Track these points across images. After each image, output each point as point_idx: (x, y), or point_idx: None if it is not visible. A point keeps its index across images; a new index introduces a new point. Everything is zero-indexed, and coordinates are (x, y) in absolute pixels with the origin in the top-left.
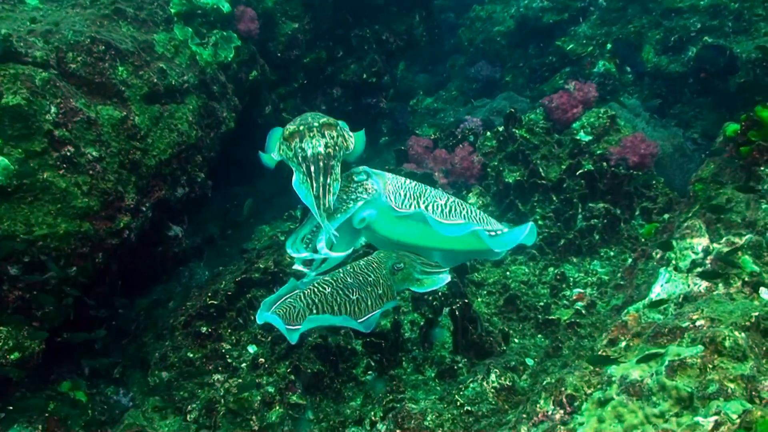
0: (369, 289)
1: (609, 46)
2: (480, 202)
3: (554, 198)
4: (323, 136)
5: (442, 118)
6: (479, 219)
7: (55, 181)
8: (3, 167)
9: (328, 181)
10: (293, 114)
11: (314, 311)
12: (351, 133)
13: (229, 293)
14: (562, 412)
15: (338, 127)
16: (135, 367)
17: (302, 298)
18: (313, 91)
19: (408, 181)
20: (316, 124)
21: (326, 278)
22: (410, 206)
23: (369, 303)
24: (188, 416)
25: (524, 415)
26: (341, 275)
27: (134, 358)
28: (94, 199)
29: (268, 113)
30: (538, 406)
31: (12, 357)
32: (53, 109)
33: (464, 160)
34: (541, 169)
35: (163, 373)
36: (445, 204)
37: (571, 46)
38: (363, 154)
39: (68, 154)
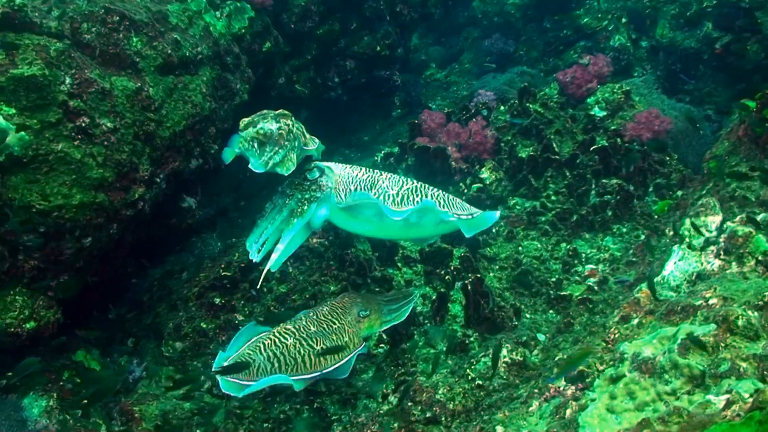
0: (334, 338)
1: (624, 19)
2: (493, 176)
3: (567, 173)
4: (277, 121)
5: (455, 92)
6: (441, 204)
7: (70, 151)
8: (18, 137)
9: (279, 150)
10: (306, 86)
11: (275, 364)
12: (311, 137)
13: (243, 265)
14: (573, 388)
15: (293, 118)
16: (149, 337)
17: (262, 349)
18: (326, 63)
19: (362, 172)
20: (271, 114)
21: (288, 327)
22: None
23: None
24: (201, 387)
25: (536, 391)
26: (304, 323)
27: (148, 328)
28: (109, 170)
29: (281, 85)
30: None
31: (27, 326)
32: (68, 80)
33: (477, 134)
34: (554, 144)
35: (177, 344)
36: (398, 193)
37: (586, 20)
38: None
39: (83, 125)
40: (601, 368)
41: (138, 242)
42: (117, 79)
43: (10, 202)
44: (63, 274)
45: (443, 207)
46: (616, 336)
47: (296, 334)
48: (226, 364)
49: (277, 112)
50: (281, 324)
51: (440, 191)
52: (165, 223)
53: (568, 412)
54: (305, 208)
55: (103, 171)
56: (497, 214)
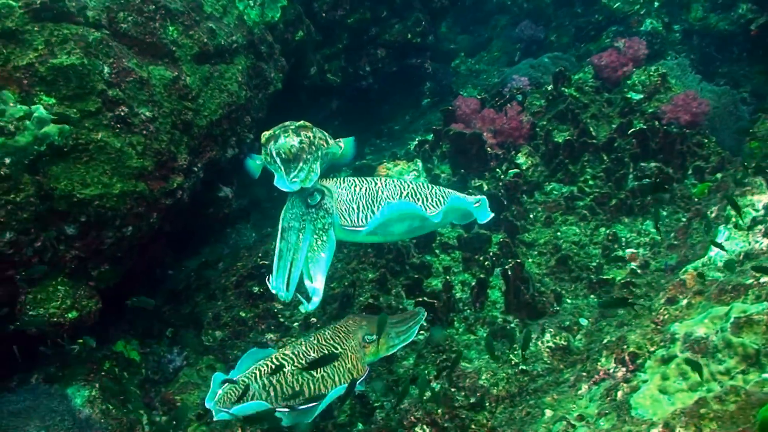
0: (336, 364)
1: (657, 3)
2: (529, 162)
3: (605, 157)
4: (297, 134)
5: (485, 79)
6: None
7: (110, 141)
8: (59, 127)
9: (304, 167)
10: (337, 75)
11: (271, 393)
12: (337, 140)
13: None
14: (624, 369)
15: (314, 129)
16: (188, 326)
17: (258, 377)
18: (357, 52)
19: (358, 186)
20: (292, 127)
21: (286, 352)
22: (365, 219)
23: (336, 379)
24: None
25: (584, 374)
26: (304, 348)
27: (187, 318)
28: (148, 159)
29: (313, 74)
30: (599, 364)
31: (69, 316)
32: (106, 69)
33: (512, 119)
34: (591, 129)
35: (217, 332)
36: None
37: (617, 4)
38: (354, 160)
39: (122, 114)
40: (651, 349)
41: (175, 233)
42: (154, 69)
43: (51, 192)
44: (103, 264)
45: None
46: (665, 317)
47: (295, 360)
48: (219, 393)
49: (298, 123)
50: (280, 349)
51: (436, 187)
52: (202, 213)
53: (620, 394)
54: (325, 239)
55: (143, 160)
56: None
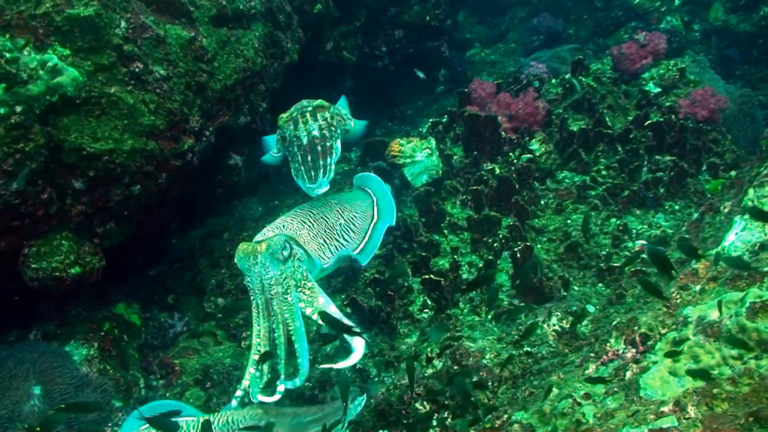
0: None
1: (677, 1)
2: (543, 148)
3: (619, 148)
4: (315, 119)
5: (501, 68)
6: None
7: (123, 96)
8: (72, 78)
9: (329, 161)
10: (353, 53)
11: None
12: (350, 117)
13: None
14: (634, 351)
15: (331, 108)
16: (189, 293)
17: None
18: (374, 31)
19: (313, 219)
20: (309, 108)
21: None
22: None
23: None
24: (242, 342)
25: (592, 354)
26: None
27: (189, 284)
28: (161, 119)
29: (329, 50)
30: (608, 345)
31: (73, 271)
32: (123, 24)
33: (528, 105)
34: (607, 119)
35: (219, 300)
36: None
37: (638, 0)
38: (362, 139)
39: (137, 70)
40: (663, 331)
41: (183, 199)
42: (171, 28)
43: (61, 144)
44: (109, 222)
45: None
46: (678, 301)
47: None
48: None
49: (315, 104)
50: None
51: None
52: (211, 180)
53: (629, 374)
54: (314, 295)
55: (155, 119)
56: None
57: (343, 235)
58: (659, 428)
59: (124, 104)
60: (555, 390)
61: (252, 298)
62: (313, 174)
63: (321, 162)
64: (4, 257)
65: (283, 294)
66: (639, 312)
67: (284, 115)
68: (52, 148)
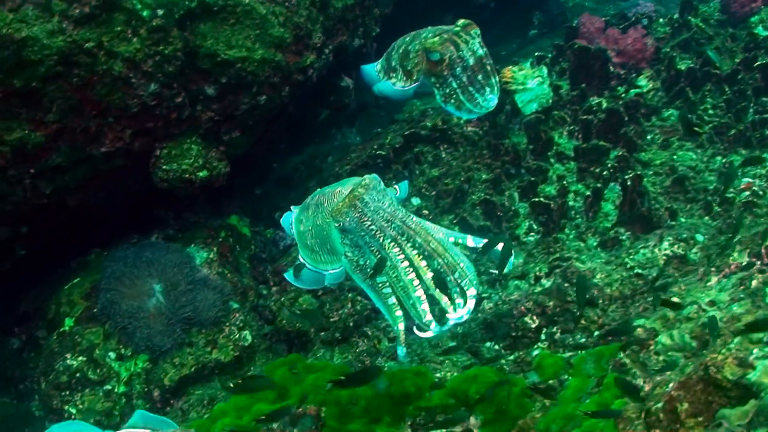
0: None
1: None
2: (650, 85)
3: (726, 89)
4: (472, 36)
5: (598, 14)
6: None
7: (256, 6)
8: None
9: (497, 78)
10: None
11: None
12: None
13: (396, 146)
14: (759, 263)
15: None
16: None
17: None
18: None
19: None
20: (458, 28)
21: None
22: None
23: None
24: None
25: (713, 269)
26: None
27: (296, 201)
28: (288, 32)
29: None
30: (730, 258)
31: (200, 175)
32: None
33: (637, 41)
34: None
35: None
36: None
37: None
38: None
39: None
40: None
41: (293, 121)
42: None
43: (196, 50)
44: (235, 130)
45: None
46: None
47: None
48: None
49: (462, 23)
50: None
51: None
52: (323, 101)
53: (754, 283)
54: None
55: (283, 31)
56: None
57: None
58: None
59: (257, 14)
60: (676, 300)
61: (381, 240)
62: (483, 91)
63: (493, 79)
64: (135, 158)
65: (408, 217)
66: (765, 226)
67: (435, 39)
68: (188, 53)
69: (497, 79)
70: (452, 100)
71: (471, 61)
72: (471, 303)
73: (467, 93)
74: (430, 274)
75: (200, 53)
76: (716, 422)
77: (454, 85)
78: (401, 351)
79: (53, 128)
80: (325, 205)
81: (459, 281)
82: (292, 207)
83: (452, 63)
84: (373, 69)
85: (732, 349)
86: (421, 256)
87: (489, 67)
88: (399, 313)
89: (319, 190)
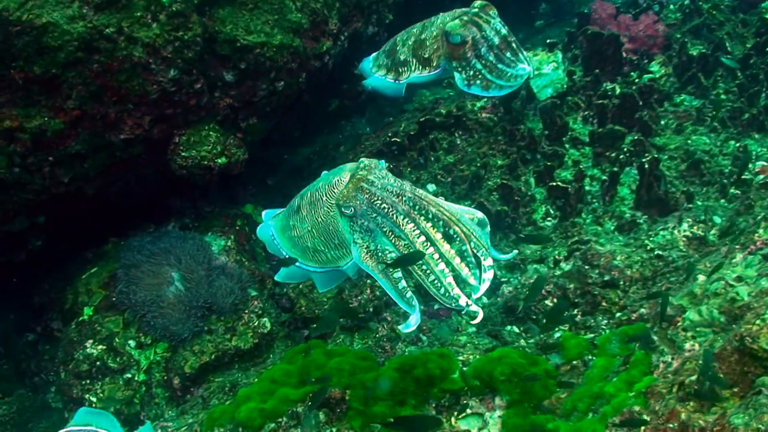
0: None
1: None
2: (663, 71)
3: (739, 74)
4: (492, 16)
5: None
6: None
7: None
8: None
9: (524, 53)
10: None
11: None
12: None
13: (411, 133)
14: None
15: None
16: None
17: None
18: None
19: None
20: (475, 9)
21: None
22: None
23: None
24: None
25: (737, 246)
26: None
27: None
28: (305, 17)
29: None
30: (756, 235)
31: (219, 161)
32: None
33: (649, 27)
34: (726, 45)
35: None
36: None
37: None
38: None
39: None
40: None
41: (307, 110)
42: None
43: (215, 35)
44: (253, 117)
45: None
46: None
47: None
48: None
49: (479, 4)
50: None
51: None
52: (337, 89)
53: None
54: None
55: (301, 16)
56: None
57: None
58: None
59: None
60: (702, 277)
61: (394, 216)
62: (515, 64)
63: (521, 54)
64: (153, 145)
65: (416, 189)
66: None
67: (455, 22)
68: (207, 39)
69: (524, 53)
70: (478, 81)
71: (496, 41)
72: (490, 273)
73: (496, 71)
74: (447, 246)
75: (219, 39)
76: (755, 389)
77: (479, 66)
78: (406, 327)
79: (73, 115)
80: (325, 199)
81: (475, 251)
82: (263, 212)
83: (476, 44)
84: (368, 62)
85: (767, 319)
86: (436, 228)
87: (515, 44)
88: (410, 294)
89: (299, 193)
